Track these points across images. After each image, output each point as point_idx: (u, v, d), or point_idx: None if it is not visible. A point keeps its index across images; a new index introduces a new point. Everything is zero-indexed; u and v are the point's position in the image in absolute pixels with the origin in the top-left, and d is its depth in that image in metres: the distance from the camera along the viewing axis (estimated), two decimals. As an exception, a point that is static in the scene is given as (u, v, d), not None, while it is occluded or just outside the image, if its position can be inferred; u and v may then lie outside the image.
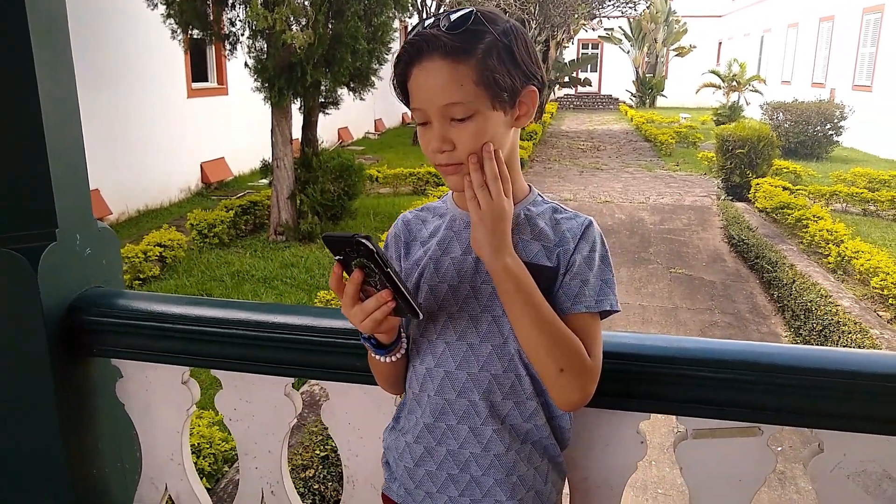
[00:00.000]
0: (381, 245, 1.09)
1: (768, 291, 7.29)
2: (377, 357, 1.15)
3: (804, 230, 8.43)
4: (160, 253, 7.64)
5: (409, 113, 1.12)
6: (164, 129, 11.16)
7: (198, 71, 12.61)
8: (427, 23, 1.09)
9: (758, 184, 10.83)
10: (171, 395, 1.48)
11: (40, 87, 1.30)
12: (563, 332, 1.07)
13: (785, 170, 12.51)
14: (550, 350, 1.06)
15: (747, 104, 22.59)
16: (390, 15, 8.98)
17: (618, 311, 1.13)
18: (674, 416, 1.28)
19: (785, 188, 10.60)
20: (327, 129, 16.08)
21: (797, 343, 6.01)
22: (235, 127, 12.97)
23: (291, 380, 1.40)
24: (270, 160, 9.06)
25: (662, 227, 10.07)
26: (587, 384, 1.08)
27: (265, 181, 12.55)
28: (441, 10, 1.11)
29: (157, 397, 1.49)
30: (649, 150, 18.47)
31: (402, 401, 1.25)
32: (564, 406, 1.12)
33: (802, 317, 6.19)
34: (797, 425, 1.24)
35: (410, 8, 13.00)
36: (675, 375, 1.21)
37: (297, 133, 9.32)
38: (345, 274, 1.03)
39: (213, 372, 1.43)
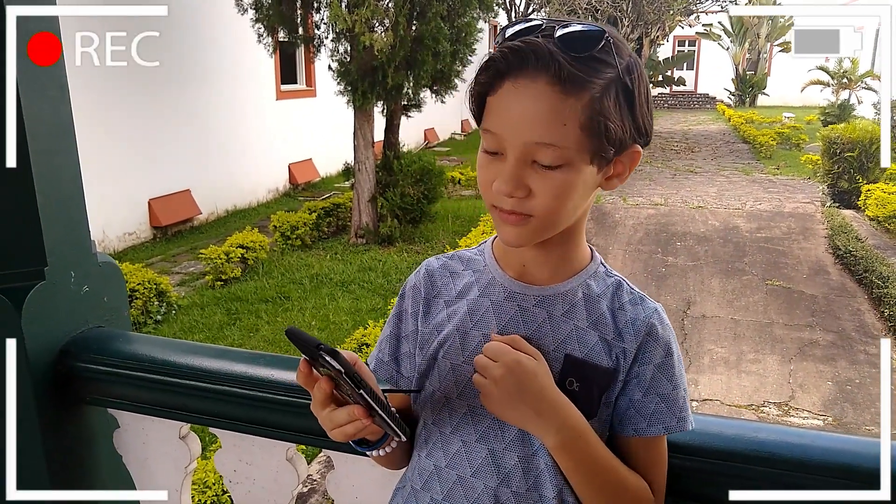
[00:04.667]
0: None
1: (878, 309, 6.76)
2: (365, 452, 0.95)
3: (922, 242, 7.77)
4: (242, 255, 7.74)
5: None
6: (254, 129, 11.38)
7: (287, 73, 12.80)
8: (532, 24, 0.81)
9: (869, 190, 10.09)
10: (169, 450, 1.33)
11: (25, 108, 1.17)
12: (627, 485, 0.88)
13: (900, 175, 11.62)
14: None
15: (859, 103, 21.21)
16: (474, 15, 8.75)
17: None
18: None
19: (900, 195, 9.83)
20: (413, 130, 16.07)
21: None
22: (323, 128, 13.10)
23: (293, 444, 1.23)
24: (352, 163, 9.07)
25: (759, 236, 9.48)
26: None
27: (348, 183, 12.66)
28: (545, 17, 0.83)
29: (154, 452, 1.34)
30: (747, 152, 17.57)
31: (398, 487, 1.01)
32: None
33: (918, 340, 5.65)
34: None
35: (496, 8, 12.77)
36: (743, 477, 0.94)
37: (380, 136, 9.29)
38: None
39: (212, 429, 1.27)
